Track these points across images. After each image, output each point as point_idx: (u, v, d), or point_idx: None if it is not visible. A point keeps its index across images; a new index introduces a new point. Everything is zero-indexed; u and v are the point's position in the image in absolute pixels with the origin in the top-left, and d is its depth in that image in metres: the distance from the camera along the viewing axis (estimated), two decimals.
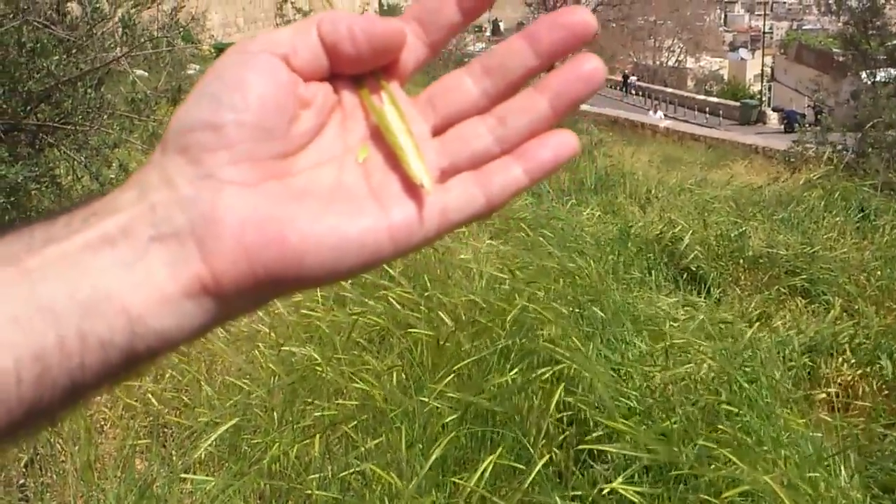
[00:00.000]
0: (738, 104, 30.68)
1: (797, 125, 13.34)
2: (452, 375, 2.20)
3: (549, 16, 0.33)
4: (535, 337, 2.40)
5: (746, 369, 2.53)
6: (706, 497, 1.83)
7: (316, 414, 2.20)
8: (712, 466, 1.90)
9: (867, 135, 8.34)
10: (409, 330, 2.46)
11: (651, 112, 28.62)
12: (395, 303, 2.62)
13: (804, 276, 4.02)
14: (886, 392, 2.86)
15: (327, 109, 0.35)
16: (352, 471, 1.96)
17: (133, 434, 2.27)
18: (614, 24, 38.43)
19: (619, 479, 1.86)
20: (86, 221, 0.30)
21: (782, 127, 24.71)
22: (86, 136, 3.38)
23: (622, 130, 17.41)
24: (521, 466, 1.91)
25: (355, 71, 0.35)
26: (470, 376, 2.28)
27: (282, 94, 0.32)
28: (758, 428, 2.14)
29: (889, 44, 10.29)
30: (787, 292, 3.94)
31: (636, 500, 1.82)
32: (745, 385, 2.33)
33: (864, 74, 10.76)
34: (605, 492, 1.85)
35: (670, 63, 46.42)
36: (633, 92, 37.57)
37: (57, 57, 3.03)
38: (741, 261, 4.28)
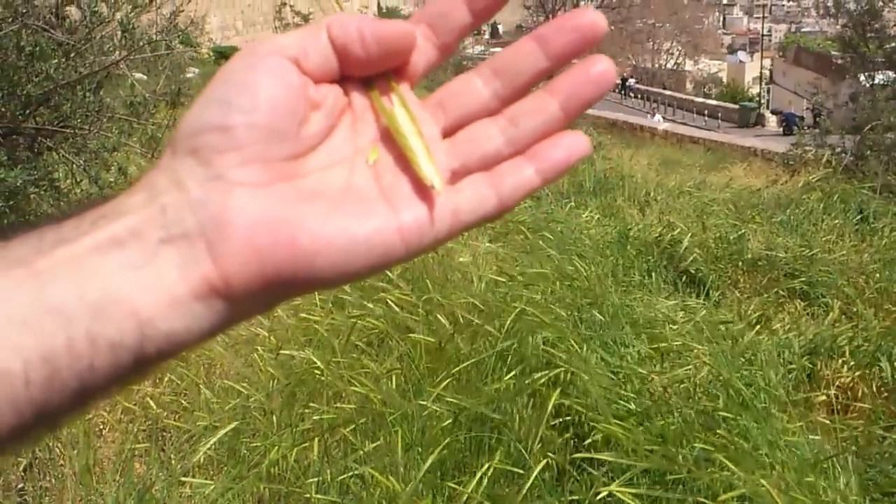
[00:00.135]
0: (736, 107, 30.76)
1: (796, 128, 13.33)
2: (451, 379, 2.20)
3: (558, 18, 0.34)
4: (533, 340, 2.40)
5: (745, 372, 2.53)
6: (703, 500, 1.83)
7: (315, 417, 2.20)
8: (709, 470, 1.90)
9: (866, 137, 8.34)
10: (409, 335, 2.46)
11: (649, 115, 28.65)
12: (393, 305, 2.62)
13: (803, 279, 4.02)
14: (886, 394, 2.86)
15: (337, 111, 0.35)
16: (350, 474, 1.96)
17: (132, 438, 2.27)
18: (613, 27, 38.45)
19: (615, 484, 1.86)
20: (95, 224, 0.30)
21: (781, 129, 24.75)
22: (85, 140, 3.37)
23: (621, 133, 17.43)
24: (520, 471, 1.91)
25: (365, 73, 0.35)
26: (468, 380, 2.28)
27: (292, 96, 0.32)
28: (755, 432, 2.14)
29: (887, 46, 10.30)
30: (786, 295, 3.94)
31: None
32: (743, 388, 2.33)
33: (862, 77, 10.76)
34: (602, 495, 1.85)
35: (669, 66, 46.52)
36: (632, 95, 37.64)
37: (56, 60, 3.02)
38: (740, 263, 4.28)
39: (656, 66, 45.65)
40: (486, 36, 62.92)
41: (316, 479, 1.96)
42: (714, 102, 33.29)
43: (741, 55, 55.83)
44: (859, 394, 2.89)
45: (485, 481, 1.83)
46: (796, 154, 9.32)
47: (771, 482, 1.78)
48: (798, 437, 2.22)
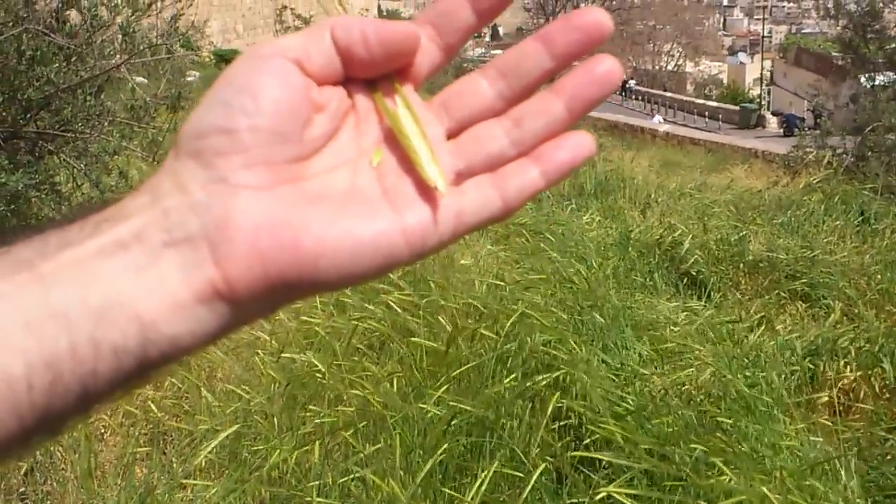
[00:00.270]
0: (737, 108, 30.76)
1: (796, 129, 13.33)
2: (451, 382, 2.20)
3: (563, 17, 0.33)
4: (533, 342, 2.39)
5: (747, 374, 2.53)
6: (702, 503, 1.82)
7: (316, 420, 2.19)
8: (708, 473, 1.89)
9: (867, 138, 8.34)
10: (411, 339, 2.46)
11: (650, 117, 28.66)
12: (395, 307, 2.61)
13: (804, 280, 4.01)
14: (888, 396, 2.86)
15: (341, 113, 0.34)
16: (351, 477, 1.96)
17: (133, 441, 2.26)
18: (613, 29, 38.50)
19: (613, 485, 1.85)
20: (98, 227, 0.30)
21: (782, 131, 24.72)
22: (86, 144, 3.37)
23: (622, 135, 17.41)
24: (520, 475, 1.91)
25: (369, 75, 0.35)
26: (469, 383, 2.27)
27: (295, 98, 0.32)
28: (755, 434, 2.13)
29: (888, 47, 10.28)
30: (788, 296, 3.93)
31: None
32: (746, 390, 2.32)
33: (863, 78, 10.74)
34: (601, 496, 1.84)
35: (669, 67, 46.57)
36: (633, 96, 37.65)
37: (56, 64, 3.02)
38: (741, 265, 4.28)
39: (657, 67, 45.69)
40: (487, 38, 63.00)
41: (317, 483, 1.95)
42: (715, 104, 33.30)
43: (742, 57, 55.86)
44: (861, 395, 2.88)
45: (484, 486, 1.82)
46: (797, 155, 9.33)
47: (771, 486, 1.78)
48: (800, 438, 2.22)
